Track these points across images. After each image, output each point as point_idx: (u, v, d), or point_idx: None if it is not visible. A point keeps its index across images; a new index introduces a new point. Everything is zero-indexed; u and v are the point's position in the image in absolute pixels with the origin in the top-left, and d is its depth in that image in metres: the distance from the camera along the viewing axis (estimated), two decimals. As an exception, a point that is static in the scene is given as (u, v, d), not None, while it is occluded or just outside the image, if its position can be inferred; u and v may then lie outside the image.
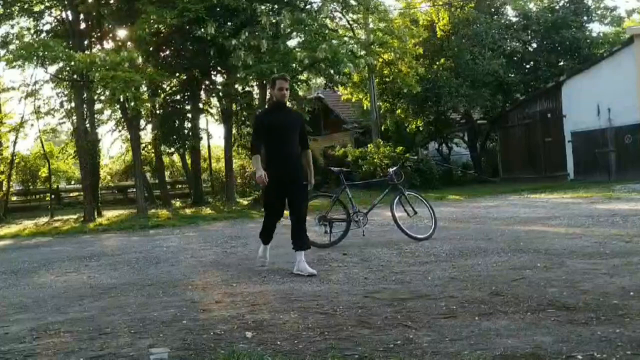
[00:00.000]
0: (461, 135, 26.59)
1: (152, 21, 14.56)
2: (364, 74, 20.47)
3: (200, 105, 20.70)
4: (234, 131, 21.66)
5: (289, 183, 5.25)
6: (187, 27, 15.51)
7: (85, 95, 16.57)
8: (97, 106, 17.56)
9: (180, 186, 27.93)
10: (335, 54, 14.42)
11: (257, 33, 14.76)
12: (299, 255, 5.16)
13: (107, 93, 14.85)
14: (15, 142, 19.60)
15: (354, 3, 17.24)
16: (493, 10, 25.23)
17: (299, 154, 5.42)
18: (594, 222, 7.60)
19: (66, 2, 16.56)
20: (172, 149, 21.60)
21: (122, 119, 18.33)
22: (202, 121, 23.00)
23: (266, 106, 5.59)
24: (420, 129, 23.69)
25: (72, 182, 28.38)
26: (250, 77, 15.38)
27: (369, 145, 20.80)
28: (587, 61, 21.62)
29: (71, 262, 7.17)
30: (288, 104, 6.71)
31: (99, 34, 17.91)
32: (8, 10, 17.13)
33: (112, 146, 45.08)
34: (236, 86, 16.81)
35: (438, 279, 4.40)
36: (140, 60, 15.26)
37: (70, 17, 16.99)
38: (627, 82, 17.52)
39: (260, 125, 5.43)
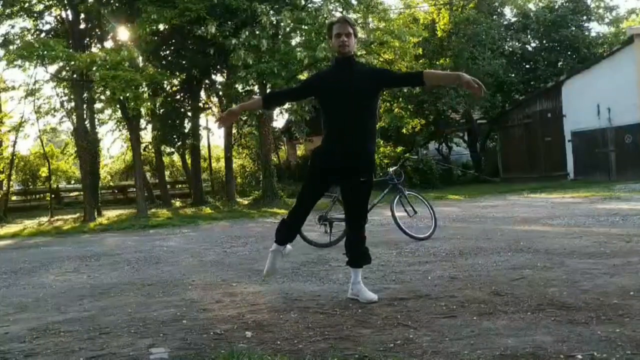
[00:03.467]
0: (461, 135, 26.62)
1: (152, 21, 14.57)
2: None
3: (201, 105, 20.73)
4: (234, 131, 21.67)
5: (345, 172, 3.72)
6: (188, 26, 15.52)
7: (85, 94, 16.59)
8: (97, 106, 17.58)
9: (180, 186, 27.98)
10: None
11: (257, 32, 14.77)
12: (355, 274, 3.88)
13: (108, 93, 14.86)
14: (15, 142, 19.65)
15: (354, 2, 17.25)
16: (492, 10, 25.26)
17: (369, 131, 3.73)
18: (594, 222, 7.60)
19: (66, 2, 16.58)
20: (172, 149, 21.63)
21: (122, 119, 18.35)
22: (202, 120, 23.08)
23: None
24: (417, 129, 23.71)
25: (72, 182, 28.42)
26: (250, 77, 15.39)
27: None
28: (586, 60, 21.66)
29: (71, 262, 7.17)
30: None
31: (99, 34, 17.92)
32: (8, 10, 17.14)
33: (112, 146, 45.21)
34: (236, 86, 16.83)
35: (438, 278, 4.40)
36: (140, 59, 15.27)
37: (70, 17, 17.01)
38: (627, 82, 17.53)
39: (303, 84, 3.94)
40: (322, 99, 3.78)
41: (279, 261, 4.08)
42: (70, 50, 14.62)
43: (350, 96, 3.63)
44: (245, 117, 20.12)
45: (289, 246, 4.05)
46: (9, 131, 19.78)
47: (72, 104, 17.67)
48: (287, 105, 21.25)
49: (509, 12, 27.32)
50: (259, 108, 3.90)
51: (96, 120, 18.78)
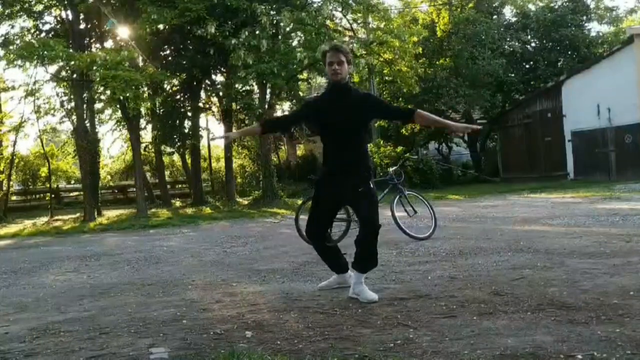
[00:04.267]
0: (461, 135, 26.60)
1: (152, 21, 14.57)
2: (363, 74, 20.47)
3: (201, 105, 20.72)
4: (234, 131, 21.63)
5: (346, 191, 3.91)
6: (188, 26, 15.52)
7: (85, 94, 16.58)
8: (97, 106, 17.57)
9: (180, 186, 27.96)
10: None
11: (257, 33, 14.77)
12: (357, 275, 3.92)
13: (108, 93, 14.86)
14: (15, 142, 19.65)
15: (353, 3, 17.25)
16: (492, 10, 25.25)
17: (363, 153, 3.98)
18: (594, 222, 7.60)
19: (66, 2, 16.57)
20: (172, 149, 21.63)
21: (122, 119, 18.35)
22: (202, 120, 23.06)
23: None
24: (417, 129, 23.70)
25: (72, 182, 28.41)
26: (250, 77, 15.40)
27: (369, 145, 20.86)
28: (586, 60, 21.64)
29: (71, 261, 7.17)
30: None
31: (99, 34, 17.92)
32: (8, 10, 17.14)
33: (112, 146, 45.27)
34: (236, 86, 16.83)
35: (438, 278, 4.40)
36: (140, 59, 15.27)
37: (70, 17, 17.00)
38: (627, 81, 17.52)
39: (300, 113, 4.02)
40: (319, 126, 4.00)
41: (335, 284, 4.25)
42: (70, 50, 14.62)
43: (344, 124, 3.86)
44: (243, 117, 20.11)
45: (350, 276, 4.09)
46: (9, 131, 19.77)
47: (72, 104, 17.66)
48: (286, 106, 21.23)
49: (508, 12, 27.34)
50: (257, 133, 4.17)
51: (96, 120, 18.77)
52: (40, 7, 17.90)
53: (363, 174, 3.91)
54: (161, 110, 19.36)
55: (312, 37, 15.15)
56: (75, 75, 16.17)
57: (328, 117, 3.88)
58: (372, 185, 3.93)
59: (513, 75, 24.25)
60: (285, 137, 29.08)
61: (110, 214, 16.96)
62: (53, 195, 21.55)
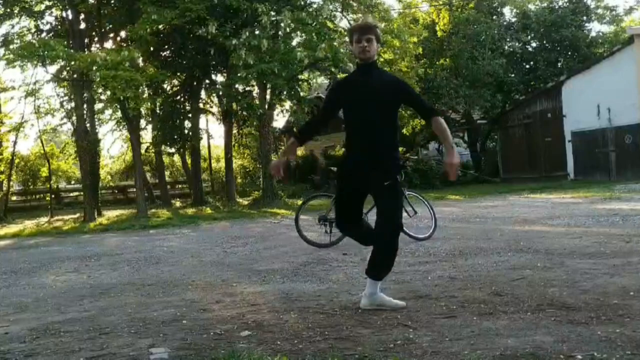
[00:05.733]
0: (461, 135, 26.63)
1: (152, 21, 14.57)
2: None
3: (201, 105, 20.72)
4: (234, 131, 21.66)
5: (370, 180, 3.63)
6: (188, 26, 15.52)
7: (85, 94, 16.59)
8: (98, 106, 17.58)
9: (180, 186, 27.98)
10: (335, 54, 14.45)
11: (257, 33, 14.78)
12: (372, 286, 3.60)
13: (108, 93, 14.86)
14: (15, 142, 19.66)
15: (354, 3, 17.25)
16: (492, 10, 25.27)
17: (391, 141, 3.71)
18: (594, 222, 7.60)
19: (66, 2, 16.58)
20: (173, 149, 21.63)
21: (123, 119, 18.36)
22: (202, 121, 23.05)
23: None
24: (417, 129, 23.72)
25: (72, 182, 28.43)
26: (251, 77, 15.39)
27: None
28: (586, 60, 21.66)
29: (71, 262, 7.17)
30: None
31: (99, 34, 17.93)
32: (8, 10, 17.15)
33: (112, 146, 45.28)
34: (237, 86, 16.81)
35: (438, 278, 4.40)
36: (140, 60, 15.26)
37: (70, 17, 17.01)
38: (627, 82, 17.54)
39: (328, 101, 3.80)
40: (343, 109, 3.73)
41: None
42: (71, 51, 14.63)
43: (369, 102, 3.58)
44: (245, 117, 20.07)
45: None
46: (9, 131, 19.78)
47: (72, 104, 17.67)
48: (287, 106, 21.22)
49: (508, 12, 27.36)
50: (298, 146, 3.95)
51: (96, 120, 18.78)
52: (40, 7, 17.91)
53: (391, 165, 3.65)
54: (161, 111, 19.35)
55: (312, 37, 15.15)
56: (75, 76, 16.17)
57: (354, 96, 3.60)
58: (399, 180, 3.69)
59: (513, 75, 24.26)
60: (285, 136, 29.07)
61: (110, 214, 16.96)
62: (53, 196, 21.56)
